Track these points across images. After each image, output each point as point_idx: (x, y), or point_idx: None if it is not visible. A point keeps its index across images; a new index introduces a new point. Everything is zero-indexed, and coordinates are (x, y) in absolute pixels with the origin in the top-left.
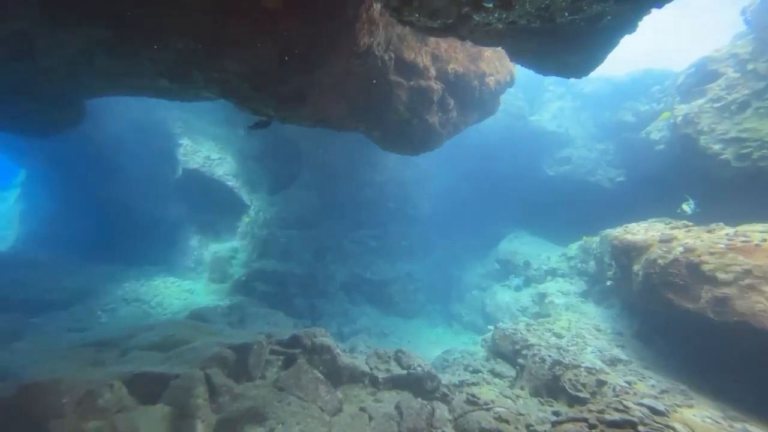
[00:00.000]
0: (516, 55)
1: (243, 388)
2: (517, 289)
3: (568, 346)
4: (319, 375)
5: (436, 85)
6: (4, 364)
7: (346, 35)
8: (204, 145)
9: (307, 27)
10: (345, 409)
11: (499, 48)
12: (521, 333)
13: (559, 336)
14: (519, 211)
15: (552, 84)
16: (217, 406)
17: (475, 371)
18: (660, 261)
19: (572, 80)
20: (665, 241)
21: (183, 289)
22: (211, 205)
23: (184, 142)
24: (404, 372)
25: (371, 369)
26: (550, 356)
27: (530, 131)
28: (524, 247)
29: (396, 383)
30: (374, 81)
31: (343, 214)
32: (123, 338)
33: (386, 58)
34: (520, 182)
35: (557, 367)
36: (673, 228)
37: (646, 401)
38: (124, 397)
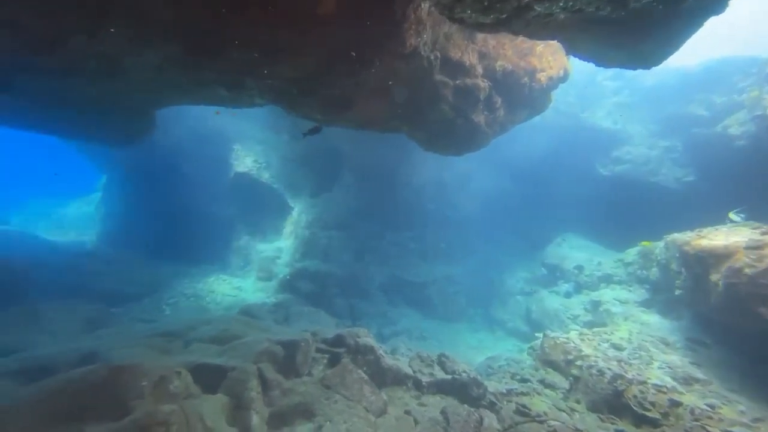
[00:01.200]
0: (575, 48)
1: (292, 383)
2: (567, 295)
3: (629, 359)
4: (364, 375)
5: (483, 84)
6: (93, 348)
7: (393, 37)
8: (253, 149)
9: (355, 30)
10: (389, 411)
11: (554, 41)
12: (574, 342)
13: (618, 348)
14: (568, 214)
15: (607, 79)
16: (269, 399)
17: (524, 380)
18: (747, 270)
19: (631, 73)
20: (754, 247)
21: (233, 286)
22: (259, 206)
23: (236, 147)
24: (448, 377)
25: (414, 372)
26: (609, 369)
27: (582, 129)
28: (574, 251)
29: (440, 388)
30: (419, 81)
31: (382, 216)
32: (185, 330)
33: (432, 57)
34: (569, 183)
35: (619, 382)
36: (764, 233)
37: (737, 430)
38: (190, 385)
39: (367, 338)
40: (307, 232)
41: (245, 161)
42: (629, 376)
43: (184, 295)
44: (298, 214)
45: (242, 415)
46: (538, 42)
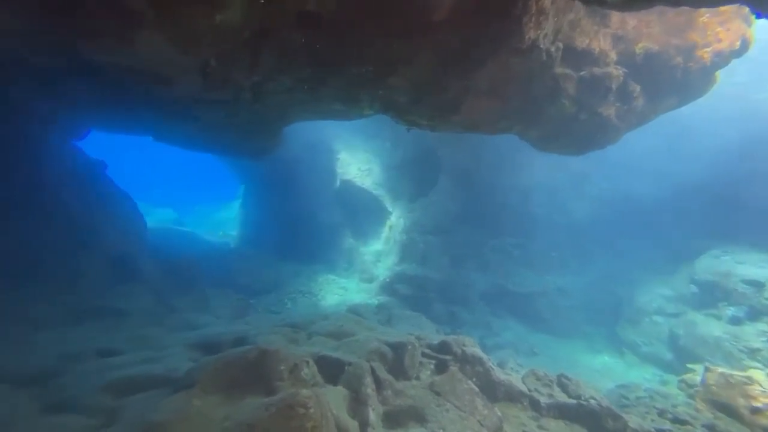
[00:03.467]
0: None
1: (402, 385)
2: (734, 321)
3: None
4: (474, 386)
5: (616, 71)
6: (243, 332)
7: (510, 33)
8: (356, 157)
9: (469, 31)
10: (506, 429)
11: (733, 5)
12: (763, 385)
13: None
14: (729, 220)
15: None
16: (383, 398)
17: (680, 421)
18: None
19: None
20: None
21: (339, 286)
22: (362, 211)
23: (341, 156)
24: (572, 401)
25: (530, 390)
26: None
27: (755, 115)
28: (742, 267)
29: (562, 412)
30: (536, 77)
31: (482, 221)
32: (307, 323)
33: (553, 49)
34: (732, 182)
35: None
36: None
37: None
38: (315, 374)
39: (475, 348)
40: (405, 236)
41: (349, 169)
42: None
43: (300, 291)
44: (396, 219)
45: (361, 410)
46: (704, 11)
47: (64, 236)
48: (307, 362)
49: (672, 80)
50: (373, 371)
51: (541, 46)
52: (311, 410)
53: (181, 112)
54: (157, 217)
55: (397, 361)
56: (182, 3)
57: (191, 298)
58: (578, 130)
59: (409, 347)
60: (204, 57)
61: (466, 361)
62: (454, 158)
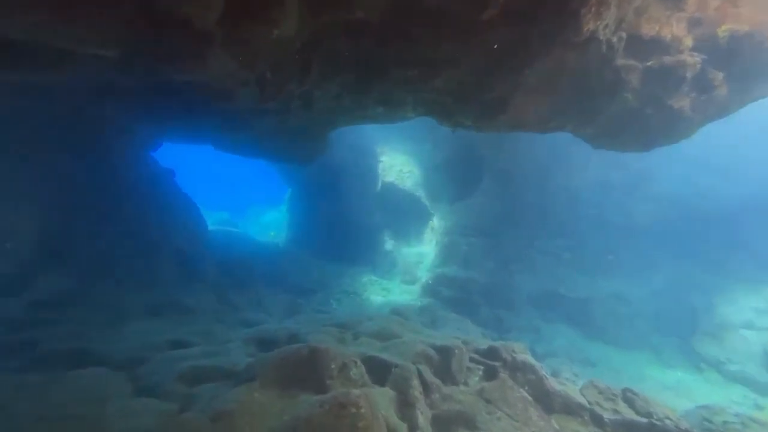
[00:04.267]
0: None
1: (450, 390)
2: None
3: None
4: (527, 395)
5: (692, 59)
6: (295, 330)
7: (566, 26)
8: (397, 159)
9: (522, 28)
10: None
11: None
12: None
13: None
14: None
15: None
16: (430, 402)
17: None
18: None
19: None
20: None
21: (382, 287)
22: (403, 213)
23: (384, 159)
24: (642, 419)
25: (590, 404)
26: None
27: None
28: None
29: (630, 430)
30: (594, 71)
31: (528, 223)
32: (353, 324)
33: (614, 40)
34: None
35: None
36: None
37: None
38: (363, 375)
39: (525, 355)
40: (446, 238)
41: (391, 171)
42: None
43: (345, 292)
44: (438, 221)
45: (410, 413)
46: None
47: (140, 238)
48: (355, 362)
49: (765, 64)
50: (419, 374)
51: (601, 37)
52: (362, 410)
53: (238, 122)
54: (212, 219)
55: (443, 365)
56: (245, 22)
57: (247, 297)
58: (644, 126)
59: (456, 351)
60: (261, 70)
61: (517, 368)
62: (497, 158)
